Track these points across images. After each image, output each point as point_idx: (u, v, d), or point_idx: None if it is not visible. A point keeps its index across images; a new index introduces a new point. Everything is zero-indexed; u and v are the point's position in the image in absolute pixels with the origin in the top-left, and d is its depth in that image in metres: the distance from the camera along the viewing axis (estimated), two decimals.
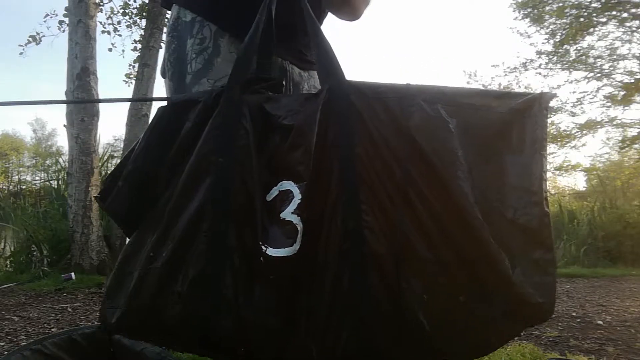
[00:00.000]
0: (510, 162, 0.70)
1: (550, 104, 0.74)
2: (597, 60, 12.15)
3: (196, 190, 0.71)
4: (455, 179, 0.66)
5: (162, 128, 0.77)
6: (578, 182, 20.92)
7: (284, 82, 1.08)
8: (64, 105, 3.56)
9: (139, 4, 5.39)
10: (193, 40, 0.96)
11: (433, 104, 0.70)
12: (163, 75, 1.05)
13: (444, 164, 0.66)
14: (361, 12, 1.12)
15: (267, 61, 0.88)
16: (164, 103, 0.81)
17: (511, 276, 0.64)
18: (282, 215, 0.69)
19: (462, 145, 0.68)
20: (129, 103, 4.00)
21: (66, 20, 4.51)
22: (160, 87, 4.18)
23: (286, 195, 0.71)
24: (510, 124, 0.71)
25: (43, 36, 5.27)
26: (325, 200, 0.67)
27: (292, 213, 0.69)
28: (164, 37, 4.30)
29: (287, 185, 0.72)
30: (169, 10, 1.06)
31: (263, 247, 0.67)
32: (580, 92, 13.42)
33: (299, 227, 0.67)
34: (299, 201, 0.69)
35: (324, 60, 0.76)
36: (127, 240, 0.78)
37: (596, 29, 11.05)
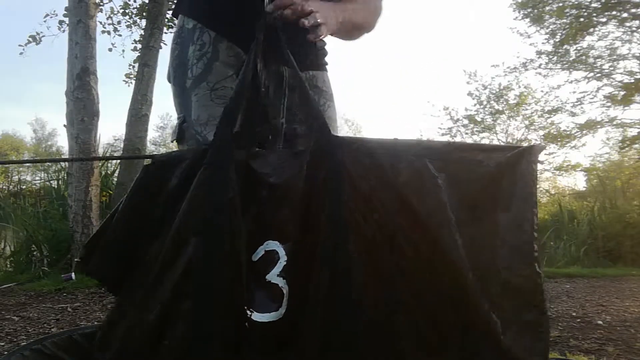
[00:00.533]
0: (501, 220, 0.69)
1: (539, 157, 0.71)
2: (597, 60, 12.15)
3: (182, 249, 0.69)
4: (445, 238, 0.65)
5: (147, 186, 0.76)
6: (578, 182, 20.92)
7: (282, 85, 1.09)
8: (64, 105, 3.56)
9: (139, 4, 5.39)
10: (194, 47, 1.01)
11: (421, 159, 0.69)
12: (168, 80, 1.09)
13: (434, 220, 0.66)
14: (374, 26, 1.14)
15: (255, 114, 0.88)
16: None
17: (502, 341, 0.64)
18: (268, 277, 0.68)
19: (451, 201, 0.68)
20: (129, 103, 4.00)
21: (66, 20, 4.51)
22: (159, 88, 4.18)
23: (272, 256, 0.70)
24: (499, 180, 0.70)
25: (43, 36, 5.27)
26: (312, 260, 0.66)
27: (278, 276, 0.68)
28: (164, 37, 4.32)
29: (273, 245, 0.70)
30: (177, 18, 1.11)
31: (248, 312, 0.66)
32: (580, 92, 13.37)
33: (285, 290, 0.66)
34: (285, 263, 0.68)
35: (310, 116, 0.76)
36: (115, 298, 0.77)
37: (596, 29, 11.05)
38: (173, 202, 0.73)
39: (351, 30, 1.09)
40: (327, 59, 1.26)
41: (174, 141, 1.05)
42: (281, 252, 0.69)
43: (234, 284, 0.67)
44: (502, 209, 0.69)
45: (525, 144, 0.81)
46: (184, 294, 0.67)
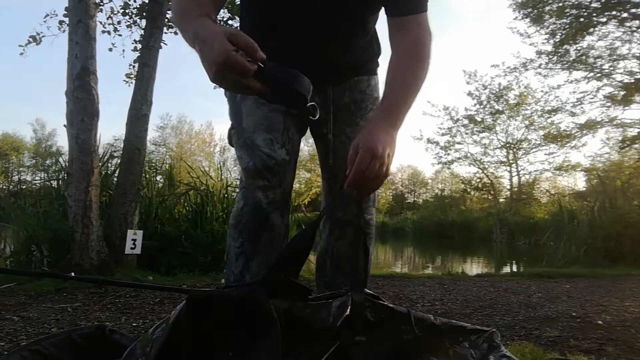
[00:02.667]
0: None
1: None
2: (597, 60, 12.15)
3: None
4: None
5: (182, 327, 0.75)
6: (578, 182, 20.96)
7: (323, 112, 1.24)
8: (64, 105, 3.55)
9: (139, 4, 5.39)
10: None
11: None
12: (225, 94, 1.28)
13: None
14: (427, 70, 1.16)
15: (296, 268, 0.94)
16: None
17: None
18: None
19: None
20: (129, 103, 3.99)
21: (66, 20, 4.51)
22: (159, 88, 4.18)
23: None
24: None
25: (43, 36, 5.27)
26: None
27: None
28: (164, 37, 4.31)
29: None
30: None
31: None
32: (580, 92, 13.43)
33: None
34: None
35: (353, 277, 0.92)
36: None
37: (596, 29, 11.04)
38: (208, 347, 0.76)
39: (414, 100, 1.13)
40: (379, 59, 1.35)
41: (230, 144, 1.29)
42: None
43: None
44: None
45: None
46: None
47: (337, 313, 0.82)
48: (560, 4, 10.82)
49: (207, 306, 0.77)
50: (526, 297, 3.15)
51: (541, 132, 20.17)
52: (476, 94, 21.58)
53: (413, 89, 1.09)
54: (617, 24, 10.69)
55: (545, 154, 21.16)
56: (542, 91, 18.99)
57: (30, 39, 5.23)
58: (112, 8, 5.58)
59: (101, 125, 3.58)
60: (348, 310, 0.82)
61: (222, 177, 5.40)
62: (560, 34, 11.44)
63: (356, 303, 0.84)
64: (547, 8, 11.22)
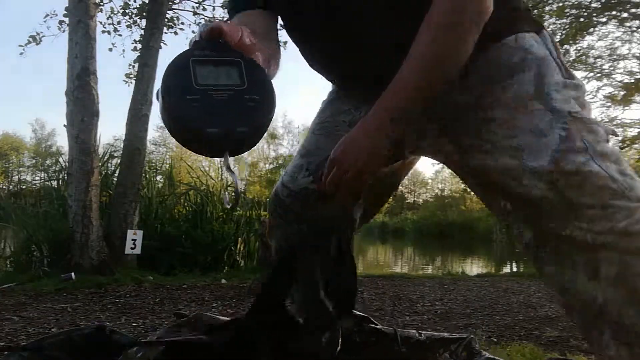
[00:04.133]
0: None
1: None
2: (597, 60, 12.13)
3: None
4: None
5: None
6: None
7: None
8: (64, 105, 3.55)
9: (139, 4, 5.40)
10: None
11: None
12: None
13: None
14: (465, 27, 0.78)
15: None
16: None
17: None
18: None
19: None
20: (129, 103, 4.00)
21: (66, 20, 4.51)
22: (158, 87, 4.18)
23: None
24: None
25: (43, 36, 5.28)
26: None
27: None
28: (164, 37, 4.32)
29: None
30: None
31: None
32: None
33: None
34: None
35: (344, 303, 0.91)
36: None
37: (596, 29, 11.04)
38: None
39: (440, 82, 0.76)
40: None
41: None
42: None
43: None
44: None
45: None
46: None
47: (327, 344, 0.85)
48: (560, 4, 10.81)
49: (188, 353, 0.80)
50: (526, 297, 3.15)
51: None
52: None
53: (421, 69, 0.75)
54: (617, 24, 10.69)
55: None
56: None
57: (30, 39, 5.24)
58: (112, 8, 5.60)
59: (101, 125, 3.59)
60: (339, 342, 0.85)
61: (222, 177, 5.40)
62: (560, 34, 11.43)
63: (345, 328, 0.88)
64: (547, 8, 11.21)
